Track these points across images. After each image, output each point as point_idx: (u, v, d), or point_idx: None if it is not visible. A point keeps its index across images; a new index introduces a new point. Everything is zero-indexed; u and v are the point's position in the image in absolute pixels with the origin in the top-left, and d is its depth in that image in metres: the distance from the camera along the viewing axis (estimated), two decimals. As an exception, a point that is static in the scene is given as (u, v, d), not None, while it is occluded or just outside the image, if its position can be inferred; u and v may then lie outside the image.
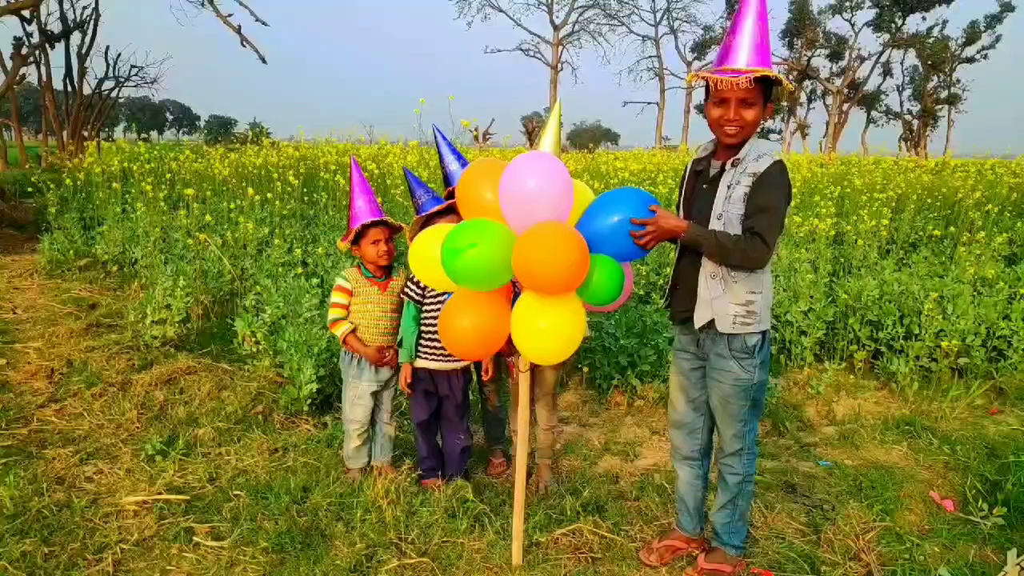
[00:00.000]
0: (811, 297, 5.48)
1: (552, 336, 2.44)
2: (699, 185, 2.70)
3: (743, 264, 2.50)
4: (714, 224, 2.57)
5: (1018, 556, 2.90)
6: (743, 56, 2.41)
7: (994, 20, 37.20)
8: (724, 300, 2.58)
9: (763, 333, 2.64)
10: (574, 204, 2.51)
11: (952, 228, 8.06)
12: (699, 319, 2.64)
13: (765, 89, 2.49)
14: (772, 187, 2.46)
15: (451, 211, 3.29)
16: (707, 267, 2.59)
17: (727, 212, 2.53)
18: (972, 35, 37.78)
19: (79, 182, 9.38)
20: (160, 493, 3.36)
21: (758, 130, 2.60)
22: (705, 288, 2.61)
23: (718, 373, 2.69)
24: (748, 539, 3.06)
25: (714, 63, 2.53)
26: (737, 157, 2.55)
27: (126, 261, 7.48)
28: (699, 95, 47.37)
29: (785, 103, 43.92)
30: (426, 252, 2.62)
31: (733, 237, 2.47)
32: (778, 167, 2.48)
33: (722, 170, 2.59)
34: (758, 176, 2.47)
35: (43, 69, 18.56)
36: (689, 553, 3.03)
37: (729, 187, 2.53)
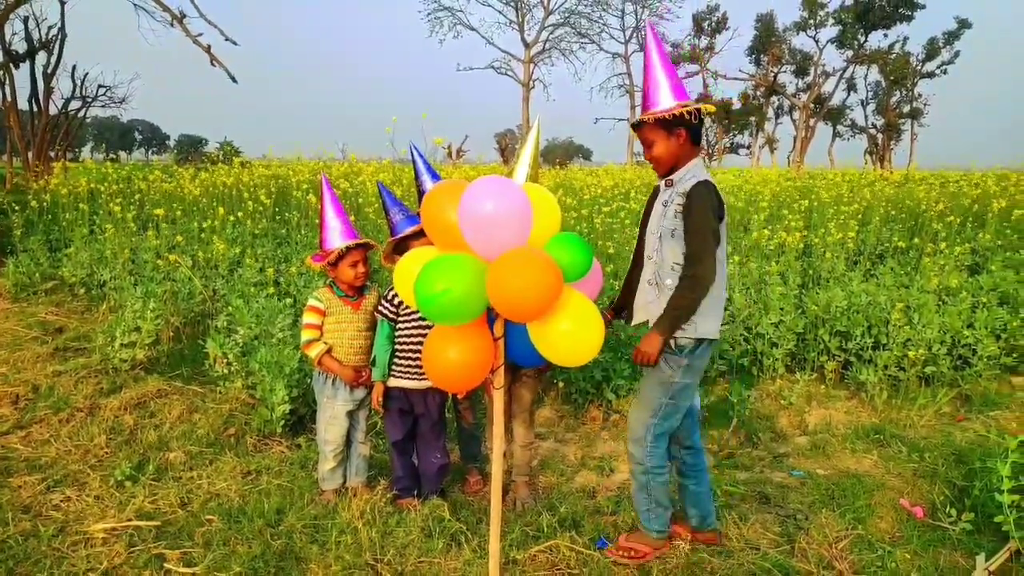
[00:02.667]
0: (781, 309, 5.57)
1: (576, 338, 2.49)
2: (651, 206, 3.01)
3: (703, 291, 2.76)
4: (649, 239, 2.91)
5: (986, 560, 2.96)
6: (646, 103, 2.83)
7: (952, 37, 38.24)
8: (658, 304, 2.84)
9: (698, 340, 2.83)
10: (543, 213, 2.53)
11: (916, 239, 8.25)
12: (636, 319, 2.96)
13: (664, 124, 2.80)
14: (697, 206, 2.74)
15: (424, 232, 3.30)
16: (646, 273, 2.92)
17: (662, 227, 2.84)
18: (932, 51, 38.79)
19: (45, 203, 9.22)
20: (130, 519, 3.30)
21: (695, 157, 2.89)
22: (642, 293, 2.93)
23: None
24: (668, 525, 3.18)
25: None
26: (671, 178, 2.89)
27: (94, 283, 7.35)
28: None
29: (753, 118, 44.67)
30: (412, 277, 2.60)
31: (677, 289, 2.77)
32: (701, 186, 2.76)
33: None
34: (686, 195, 2.77)
35: (7, 89, 18.24)
36: (683, 538, 3.22)
37: (665, 205, 2.86)
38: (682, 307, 2.75)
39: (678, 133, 2.82)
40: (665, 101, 2.79)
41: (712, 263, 2.74)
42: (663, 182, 2.92)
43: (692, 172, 2.83)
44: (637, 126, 2.88)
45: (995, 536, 3.19)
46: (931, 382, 5.25)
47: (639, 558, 3.06)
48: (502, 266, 2.31)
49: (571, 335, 2.47)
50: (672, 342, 2.80)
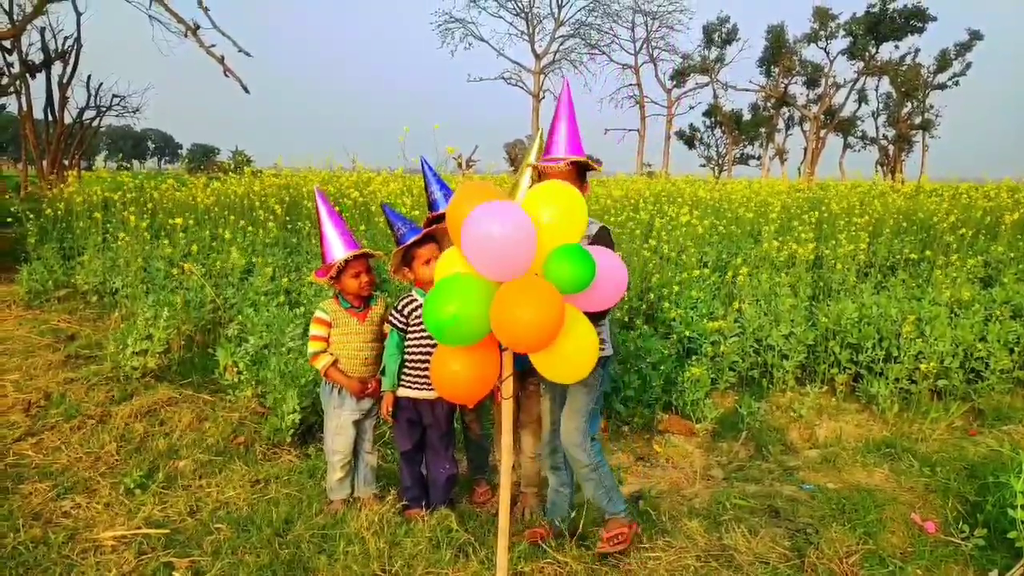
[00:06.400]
0: (792, 321, 5.54)
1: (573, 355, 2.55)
2: None
3: (604, 317, 3.03)
4: None
5: (999, 577, 2.93)
6: (560, 149, 3.09)
7: (964, 48, 38.20)
8: None
9: (606, 356, 3.13)
10: (570, 216, 2.59)
11: (928, 251, 8.19)
12: None
13: (579, 172, 3.12)
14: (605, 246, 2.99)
15: (429, 239, 3.36)
16: None
17: None
18: (943, 63, 38.74)
19: (59, 212, 9.30)
20: (139, 527, 3.31)
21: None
22: None
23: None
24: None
25: (542, 157, 3.17)
26: None
27: (106, 291, 7.40)
28: (679, 122, 47.83)
29: (763, 129, 44.62)
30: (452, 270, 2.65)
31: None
32: (606, 231, 3.15)
33: None
34: (591, 238, 3.07)
35: (23, 99, 18.50)
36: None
37: None
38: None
39: (586, 182, 3.18)
40: (579, 151, 3.09)
41: None
42: None
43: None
44: (540, 168, 3.03)
45: (1008, 552, 3.15)
46: (943, 395, 5.20)
47: (626, 540, 3.23)
48: (505, 305, 2.37)
49: (563, 361, 2.55)
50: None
